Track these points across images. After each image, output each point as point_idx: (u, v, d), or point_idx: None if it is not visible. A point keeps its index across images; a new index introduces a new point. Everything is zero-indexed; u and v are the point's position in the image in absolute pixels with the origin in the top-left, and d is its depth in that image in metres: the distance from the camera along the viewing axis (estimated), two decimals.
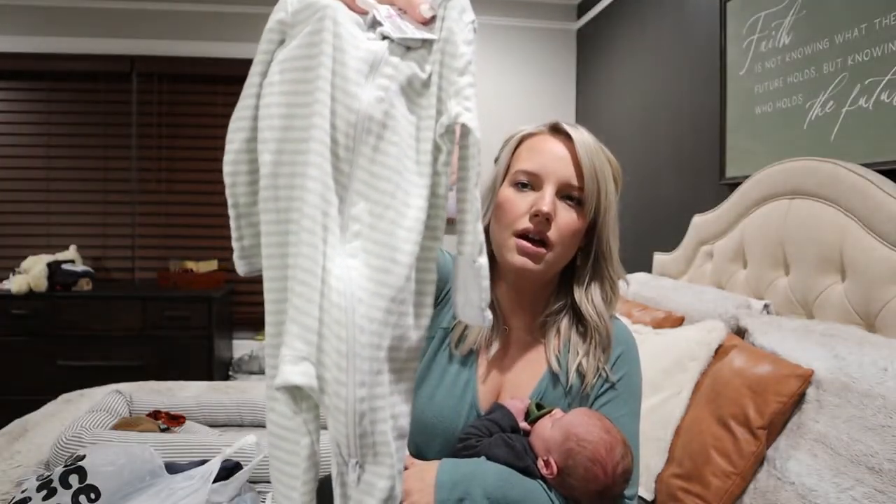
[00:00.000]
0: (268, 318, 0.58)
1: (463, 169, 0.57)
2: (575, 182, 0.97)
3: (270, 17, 0.59)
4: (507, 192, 1.00)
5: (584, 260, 1.04)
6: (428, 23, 0.58)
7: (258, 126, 0.58)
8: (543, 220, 0.95)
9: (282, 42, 0.59)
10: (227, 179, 0.61)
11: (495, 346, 1.04)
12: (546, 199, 0.96)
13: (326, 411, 0.55)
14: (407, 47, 0.57)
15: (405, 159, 0.56)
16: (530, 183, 0.99)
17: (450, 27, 0.57)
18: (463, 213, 0.57)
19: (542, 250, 0.97)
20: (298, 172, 0.55)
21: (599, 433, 0.91)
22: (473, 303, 0.58)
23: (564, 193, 0.98)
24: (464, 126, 0.56)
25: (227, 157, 0.60)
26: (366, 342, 0.53)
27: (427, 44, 0.58)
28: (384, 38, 0.57)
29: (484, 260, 0.57)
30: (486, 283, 0.57)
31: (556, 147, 0.99)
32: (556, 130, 1.01)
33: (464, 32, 0.57)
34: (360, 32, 0.58)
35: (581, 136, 0.99)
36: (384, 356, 0.54)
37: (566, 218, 0.97)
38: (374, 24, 0.58)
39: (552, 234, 0.96)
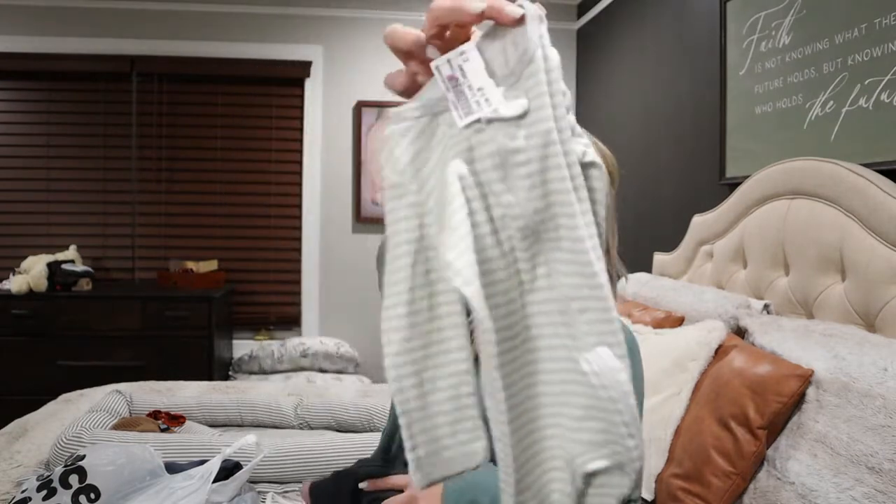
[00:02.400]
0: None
1: (594, 203, 0.55)
2: None
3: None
4: None
5: None
6: (517, 23, 0.50)
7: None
8: None
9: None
10: (392, 385, 0.53)
11: None
12: None
13: (621, 481, 0.53)
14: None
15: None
16: None
17: (549, 66, 0.51)
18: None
19: None
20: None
21: None
22: None
23: None
24: (592, 163, 0.54)
25: (389, 361, 0.52)
26: (634, 404, 0.52)
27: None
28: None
29: None
30: None
31: None
32: None
33: (560, 68, 0.53)
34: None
35: None
36: None
37: None
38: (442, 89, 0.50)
39: None
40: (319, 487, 1.07)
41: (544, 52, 0.49)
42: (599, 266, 0.51)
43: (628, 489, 0.52)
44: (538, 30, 0.49)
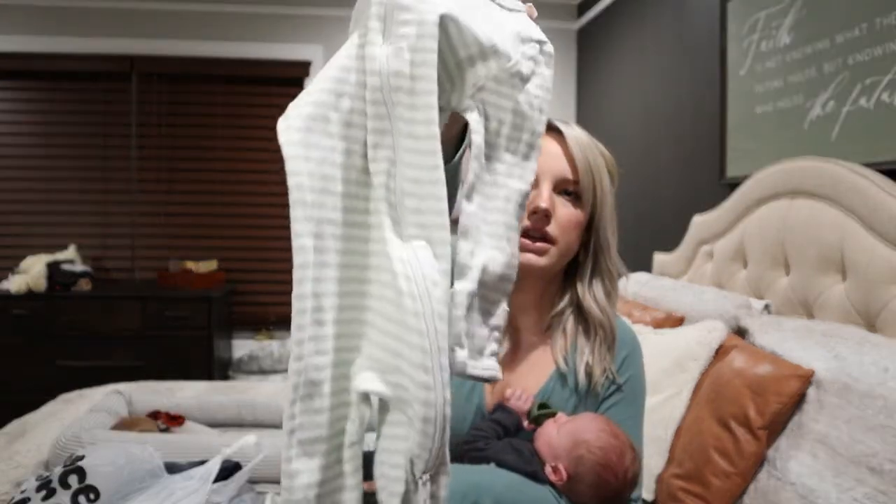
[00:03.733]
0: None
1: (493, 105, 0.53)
2: (570, 176, 0.99)
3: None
4: None
5: (585, 255, 1.04)
6: None
7: None
8: (542, 216, 0.96)
9: None
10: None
11: (504, 348, 1.04)
12: (543, 195, 0.97)
13: (406, 425, 0.47)
14: None
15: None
16: None
17: None
18: None
19: (545, 245, 0.97)
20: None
21: (608, 439, 0.90)
22: None
23: (561, 188, 0.99)
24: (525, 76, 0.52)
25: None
26: (445, 332, 0.45)
27: None
28: None
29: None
30: None
31: (549, 144, 1.00)
32: (548, 128, 1.02)
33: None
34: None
35: (572, 131, 1.00)
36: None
37: (565, 212, 0.98)
38: None
39: (552, 229, 0.97)
40: None
41: None
42: (438, 160, 0.47)
43: (417, 447, 0.44)
44: None
